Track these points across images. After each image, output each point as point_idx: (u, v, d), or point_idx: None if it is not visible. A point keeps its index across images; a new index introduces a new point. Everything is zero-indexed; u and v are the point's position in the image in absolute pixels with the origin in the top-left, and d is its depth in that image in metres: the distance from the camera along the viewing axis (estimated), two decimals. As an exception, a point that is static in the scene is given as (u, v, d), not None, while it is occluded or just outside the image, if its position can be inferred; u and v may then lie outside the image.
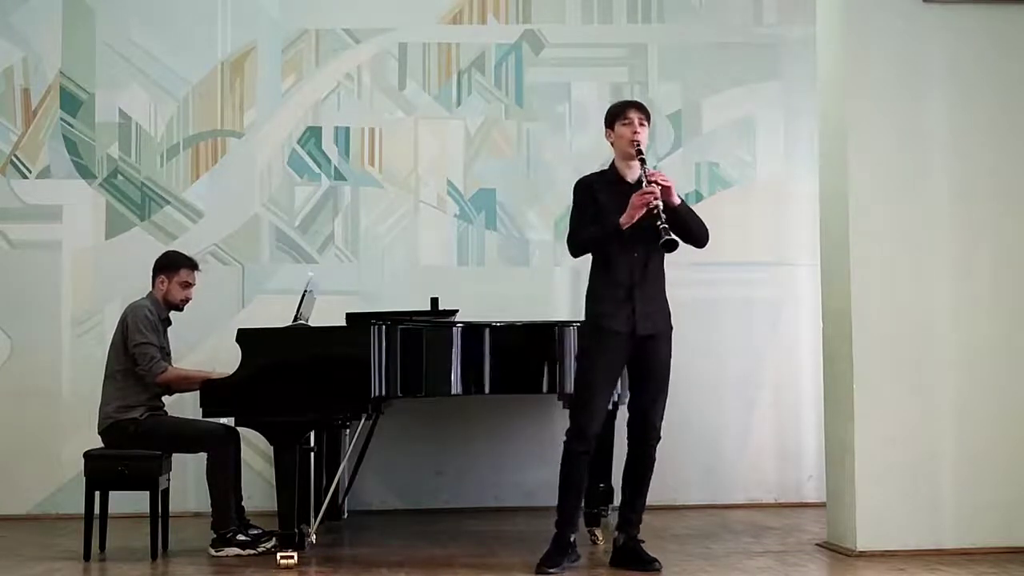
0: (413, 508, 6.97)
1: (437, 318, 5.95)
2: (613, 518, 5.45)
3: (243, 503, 5.77)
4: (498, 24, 7.26)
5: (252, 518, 5.82)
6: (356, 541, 6.08)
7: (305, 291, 5.88)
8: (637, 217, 4.86)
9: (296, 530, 5.25)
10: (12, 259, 6.98)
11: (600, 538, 5.72)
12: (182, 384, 5.73)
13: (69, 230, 7.00)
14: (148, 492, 5.44)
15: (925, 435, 5.41)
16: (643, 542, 5.11)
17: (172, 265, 5.79)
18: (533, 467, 6.83)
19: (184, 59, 7.12)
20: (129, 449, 5.49)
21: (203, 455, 5.60)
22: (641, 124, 5.04)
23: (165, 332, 5.79)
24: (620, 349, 4.97)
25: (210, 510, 5.52)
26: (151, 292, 5.79)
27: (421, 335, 5.48)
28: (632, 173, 5.06)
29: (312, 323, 5.83)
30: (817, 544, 5.66)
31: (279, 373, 5.26)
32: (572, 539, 5.03)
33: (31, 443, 6.84)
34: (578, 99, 7.23)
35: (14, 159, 7.03)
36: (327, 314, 6.19)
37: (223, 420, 5.49)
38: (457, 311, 6.07)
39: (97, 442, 5.65)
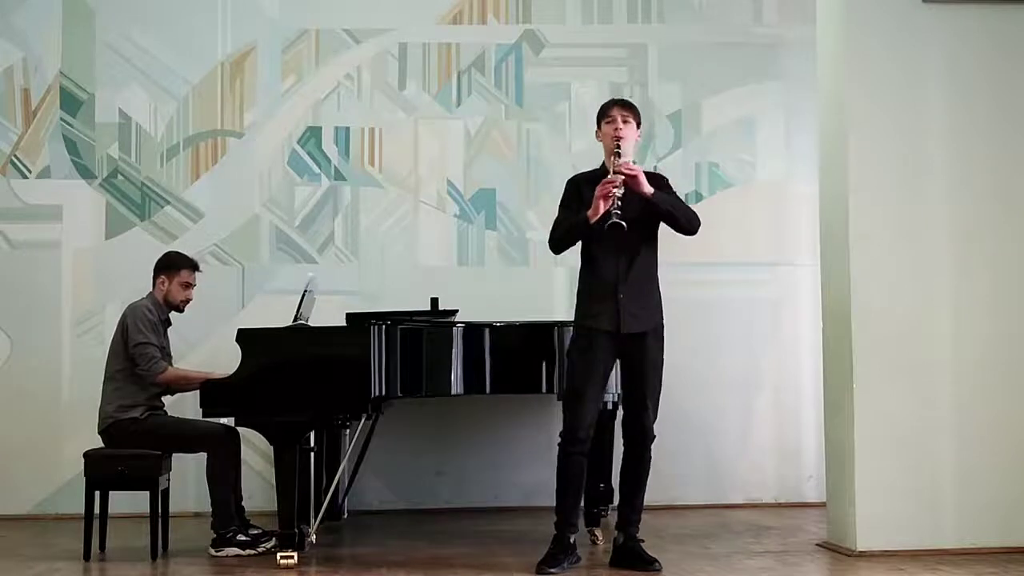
0: (413, 508, 6.97)
1: (437, 318, 5.95)
2: (613, 518, 5.45)
3: (243, 503, 5.77)
4: (498, 24, 7.26)
5: (252, 518, 5.81)
6: (356, 541, 6.07)
7: (305, 291, 5.87)
8: (603, 209, 4.83)
9: (296, 530, 5.24)
10: (12, 259, 6.98)
11: (600, 538, 5.72)
12: (182, 384, 5.72)
13: (69, 230, 7.00)
14: (148, 492, 5.44)
15: (925, 435, 5.40)
16: (643, 542, 5.10)
17: (173, 266, 5.79)
18: (533, 467, 6.82)
19: (184, 59, 7.12)
20: (129, 449, 5.49)
21: (203, 455, 5.60)
22: (625, 121, 5.02)
23: (165, 332, 5.79)
24: (605, 349, 4.96)
25: (210, 510, 5.52)
26: (151, 292, 5.79)
27: (421, 335, 5.48)
28: None
29: (312, 323, 5.83)
30: (817, 544, 5.65)
31: (279, 373, 5.25)
32: (572, 540, 5.02)
33: (31, 443, 6.84)
34: (578, 99, 7.24)
35: (14, 159, 7.02)
36: (327, 314, 6.20)
37: (223, 420, 5.49)
38: (457, 311, 6.06)
39: (97, 442, 5.65)
